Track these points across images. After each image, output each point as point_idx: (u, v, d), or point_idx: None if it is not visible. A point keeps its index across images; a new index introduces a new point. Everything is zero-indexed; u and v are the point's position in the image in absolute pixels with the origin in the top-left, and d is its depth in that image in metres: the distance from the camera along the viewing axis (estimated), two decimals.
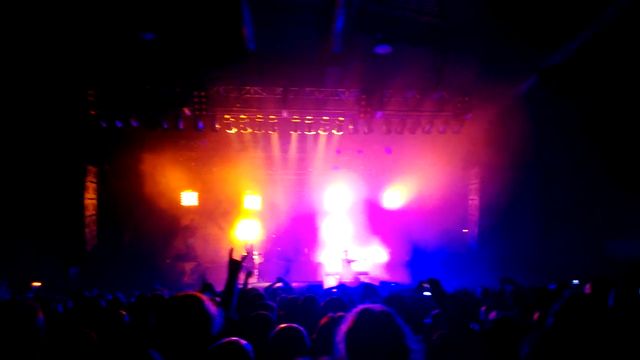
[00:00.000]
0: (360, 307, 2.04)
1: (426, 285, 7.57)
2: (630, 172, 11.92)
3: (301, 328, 3.35)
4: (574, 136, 12.72)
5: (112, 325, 3.97)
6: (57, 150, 13.75)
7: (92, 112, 13.03)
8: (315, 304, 5.18)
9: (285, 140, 15.67)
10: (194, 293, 2.28)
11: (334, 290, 9.74)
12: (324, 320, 3.55)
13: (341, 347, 1.96)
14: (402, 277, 15.20)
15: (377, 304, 2.09)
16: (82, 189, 14.69)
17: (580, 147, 12.73)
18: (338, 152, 16.14)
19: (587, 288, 3.99)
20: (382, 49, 11.84)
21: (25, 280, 12.19)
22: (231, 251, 3.65)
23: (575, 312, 2.20)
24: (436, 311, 4.32)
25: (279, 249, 16.95)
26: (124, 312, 4.18)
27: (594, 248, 13.13)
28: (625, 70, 10.73)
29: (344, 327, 1.98)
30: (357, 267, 16.13)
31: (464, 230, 16.74)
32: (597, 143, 12.09)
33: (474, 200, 16.03)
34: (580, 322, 2.15)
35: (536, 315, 4.61)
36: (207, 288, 6.62)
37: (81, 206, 14.62)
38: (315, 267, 15.96)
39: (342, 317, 2.09)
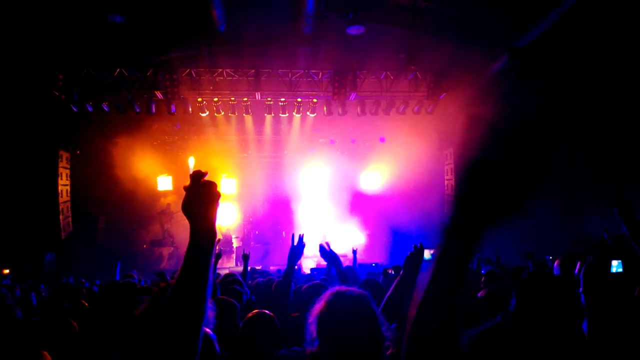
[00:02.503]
0: (336, 288, 1.97)
1: (391, 272, 7.59)
2: (605, 151, 12.05)
3: (272, 315, 3.30)
4: (548, 115, 12.79)
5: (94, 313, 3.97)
6: (27, 136, 13.54)
7: (63, 97, 12.82)
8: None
9: (259, 122, 15.59)
10: None
11: (315, 273, 9.76)
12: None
13: (312, 329, 1.89)
14: (381, 259, 15.32)
15: (353, 286, 2.01)
16: (55, 175, 14.51)
17: (554, 126, 12.82)
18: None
19: (556, 265, 3.94)
20: (354, 30, 11.74)
21: None
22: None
23: (533, 291, 2.11)
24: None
25: (257, 232, 16.97)
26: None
27: (573, 225, 13.30)
28: (591, 52, 10.80)
29: (316, 309, 1.92)
30: (335, 249, 16.22)
31: (442, 211, 16.84)
32: (568, 121, 12.19)
33: (450, 180, 16.12)
34: (540, 301, 2.06)
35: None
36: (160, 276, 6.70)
37: (55, 192, 14.46)
38: None
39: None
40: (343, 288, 1.97)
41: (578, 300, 2.36)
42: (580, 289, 2.52)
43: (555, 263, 3.93)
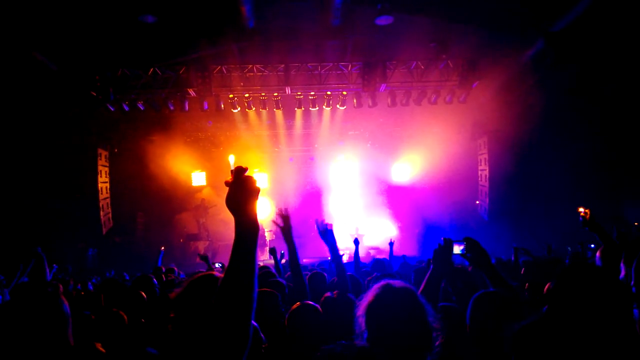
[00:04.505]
0: (383, 282, 2.03)
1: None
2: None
3: (317, 305, 3.31)
4: (581, 102, 12.43)
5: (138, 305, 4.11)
6: (68, 136, 14.06)
7: (100, 97, 13.23)
8: (323, 280, 5.15)
9: (289, 117, 15.68)
10: (210, 272, 2.27)
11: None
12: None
13: (361, 321, 1.95)
14: (413, 251, 15.22)
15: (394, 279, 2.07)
16: (95, 173, 15.01)
17: (587, 113, 12.46)
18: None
19: (598, 256, 3.79)
20: (383, 20, 11.63)
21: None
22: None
23: (573, 282, 1.91)
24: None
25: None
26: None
27: (611, 215, 12.89)
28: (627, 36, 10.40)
29: (364, 302, 1.98)
30: (367, 242, 16.23)
31: (476, 202, 16.58)
32: (599, 108, 11.83)
33: (484, 170, 15.84)
34: (579, 293, 1.86)
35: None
36: (204, 259, 6.82)
37: (95, 189, 14.96)
38: None
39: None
40: (390, 281, 2.03)
41: (627, 293, 2.19)
42: (632, 281, 2.43)
43: (597, 254, 3.79)
